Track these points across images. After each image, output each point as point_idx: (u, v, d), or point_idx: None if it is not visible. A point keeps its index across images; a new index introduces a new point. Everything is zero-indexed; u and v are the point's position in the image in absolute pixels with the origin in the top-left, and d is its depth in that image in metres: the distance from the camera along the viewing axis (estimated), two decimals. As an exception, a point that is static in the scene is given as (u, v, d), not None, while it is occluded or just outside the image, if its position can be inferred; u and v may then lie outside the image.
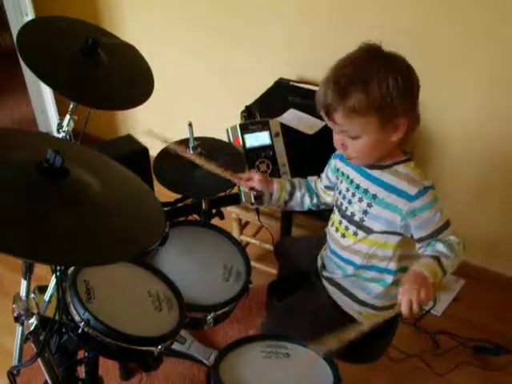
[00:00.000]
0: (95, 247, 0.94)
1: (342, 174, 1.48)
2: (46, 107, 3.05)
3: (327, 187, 1.60)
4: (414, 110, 1.28)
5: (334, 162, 1.54)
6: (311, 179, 1.66)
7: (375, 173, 1.37)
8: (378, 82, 1.19)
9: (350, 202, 1.43)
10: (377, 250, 1.40)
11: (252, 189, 1.60)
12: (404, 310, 1.19)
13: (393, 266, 1.42)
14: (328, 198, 1.61)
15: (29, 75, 2.97)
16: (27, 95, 3.10)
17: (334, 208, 1.53)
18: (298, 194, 1.62)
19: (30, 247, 0.82)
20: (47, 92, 2.95)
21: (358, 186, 1.41)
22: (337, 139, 1.32)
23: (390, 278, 1.44)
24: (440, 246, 1.29)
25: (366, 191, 1.38)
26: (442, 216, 1.31)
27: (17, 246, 0.81)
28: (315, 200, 1.63)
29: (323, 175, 1.61)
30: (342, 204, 1.47)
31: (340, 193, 1.48)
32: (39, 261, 0.87)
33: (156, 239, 1.03)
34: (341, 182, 1.49)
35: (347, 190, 1.44)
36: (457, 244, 1.30)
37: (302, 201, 1.63)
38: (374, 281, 1.46)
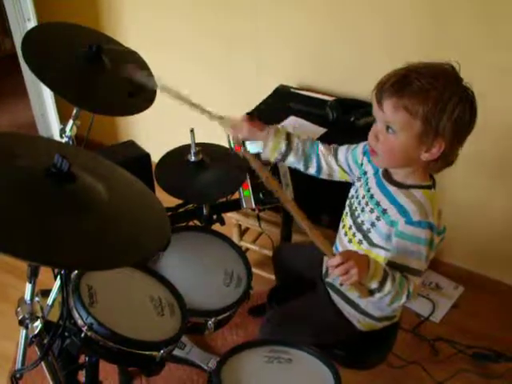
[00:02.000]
0: (101, 252, 0.95)
1: (366, 178, 1.45)
2: (46, 111, 3.05)
3: (341, 167, 1.55)
4: (454, 144, 1.25)
5: (360, 157, 1.49)
6: (322, 150, 1.55)
7: (391, 188, 1.35)
8: (437, 101, 1.18)
9: (362, 210, 1.41)
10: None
11: (237, 137, 1.55)
12: (333, 262, 1.19)
13: None
14: (339, 174, 1.56)
15: (29, 79, 2.98)
16: (27, 99, 3.10)
17: (347, 210, 1.51)
18: (291, 159, 1.55)
19: (38, 251, 0.83)
20: (48, 96, 2.96)
21: (372, 196, 1.39)
22: (374, 129, 1.29)
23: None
24: (398, 275, 1.27)
25: (378, 204, 1.37)
26: (419, 262, 1.28)
27: (25, 250, 0.81)
28: (312, 171, 1.56)
29: (341, 156, 1.54)
30: (356, 209, 1.45)
31: (357, 197, 1.46)
32: (46, 264, 0.88)
33: (161, 245, 1.03)
34: (360, 186, 1.46)
35: (363, 196, 1.43)
36: (406, 289, 1.26)
37: (296, 167, 1.57)
38: None
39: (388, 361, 1.91)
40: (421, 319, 2.30)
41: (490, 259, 2.42)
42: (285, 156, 1.54)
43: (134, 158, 1.88)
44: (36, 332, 1.04)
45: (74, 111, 1.56)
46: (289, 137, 1.53)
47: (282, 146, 1.52)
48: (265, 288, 1.94)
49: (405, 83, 1.20)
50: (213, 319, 1.51)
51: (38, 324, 1.05)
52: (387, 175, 1.38)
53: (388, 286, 1.23)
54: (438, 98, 1.18)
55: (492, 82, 1.96)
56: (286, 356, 1.35)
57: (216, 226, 1.94)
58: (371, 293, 1.25)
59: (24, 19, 2.71)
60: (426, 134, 1.21)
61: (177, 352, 1.94)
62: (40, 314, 1.06)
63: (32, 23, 2.69)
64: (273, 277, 2.28)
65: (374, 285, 1.23)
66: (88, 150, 1.22)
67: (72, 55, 1.49)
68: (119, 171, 1.15)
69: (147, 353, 1.27)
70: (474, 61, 1.94)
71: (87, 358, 1.45)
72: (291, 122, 2.13)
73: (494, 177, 2.24)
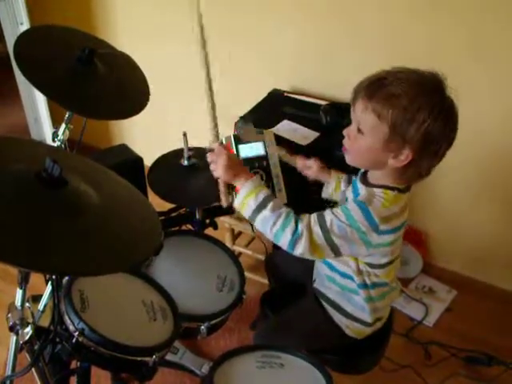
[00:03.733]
0: (91, 257, 0.94)
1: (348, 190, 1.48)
2: (39, 115, 3.04)
3: None
4: (425, 156, 1.22)
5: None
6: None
7: (360, 186, 1.37)
8: (406, 109, 1.17)
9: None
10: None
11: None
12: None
13: (358, 278, 1.41)
14: None
15: (22, 83, 2.97)
16: (20, 103, 3.09)
17: None
18: None
19: (29, 257, 0.82)
20: (41, 100, 2.95)
21: (344, 193, 1.44)
22: (348, 128, 1.31)
23: (361, 292, 1.43)
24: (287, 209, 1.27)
25: (347, 199, 1.41)
26: (331, 222, 1.24)
27: (16, 256, 0.80)
28: None
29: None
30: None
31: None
32: (35, 270, 0.87)
33: (153, 250, 1.03)
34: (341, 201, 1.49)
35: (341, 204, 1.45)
36: (292, 226, 1.23)
37: None
38: (353, 292, 1.46)
39: (381, 365, 1.90)
40: (414, 323, 2.30)
41: (483, 263, 2.43)
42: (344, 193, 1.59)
43: (126, 161, 1.88)
44: (26, 338, 1.03)
45: (67, 115, 1.55)
46: (349, 178, 1.59)
47: (342, 185, 1.60)
48: (258, 292, 1.94)
49: (378, 86, 1.20)
50: (206, 324, 1.51)
51: (28, 330, 1.03)
52: (363, 178, 1.39)
53: (267, 212, 1.24)
54: (406, 106, 1.17)
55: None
56: (278, 361, 1.34)
57: (209, 231, 1.94)
58: (253, 215, 1.26)
59: (17, 23, 2.70)
60: (393, 140, 1.21)
61: (170, 357, 1.94)
62: (31, 320, 1.05)
63: (25, 27, 2.68)
64: (266, 281, 2.28)
65: (252, 203, 1.26)
66: (80, 155, 1.22)
67: (64, 58, 1.48)
68: (111, 175, 1.15)
69: (139, 358, 1.26)
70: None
71: (79, 364, 1.45)
72: (285, 126, 2.13)
73: (486, 182, 2.25)
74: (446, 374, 2.06)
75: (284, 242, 1.25)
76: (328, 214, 1.26)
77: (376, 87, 1.20)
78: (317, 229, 1.24)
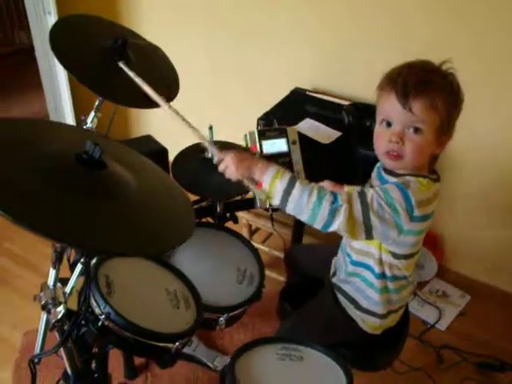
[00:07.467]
0: (126, 239, 0.96)
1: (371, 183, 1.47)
2: (61, 105, 3.06)
3: None
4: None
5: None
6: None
7: (388, 177, 1.37)
8: (456, 96, 1.25)
9: None
10: (364, 245, 1.41)
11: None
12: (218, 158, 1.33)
13: (377, 268, 1.41)
14: None
15: (44, 73, 2.99)
16: (39, 93, 3.12)
17: None
18: None
19: (67, 232, 0.84)
20: (64, 90, 2.95)
21: (371, 186, 1.42)
22: (395, 133, 1.26)
23: (377, 283, 1.43)
24: (317, 187, 1.23)
25: None
26: (372, 194, 1.23)
27: (56, 231, 0.83)
28: None
29: None
30: None
31: None
32: (74, 245, 0.89)
33: (186, 237, 1.04)
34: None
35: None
36: (328, 200, 1.19)
37: None
38: (369, 286, 1.45)
39: (393, 366, 1.91)
40: (427, 326, 2.31)
41: (498, 269, 2.42)
42: None
43: (151, 152, 1.88)
44: (59, 317, 1.05)
45: (97, 102, 1.57)
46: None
47: None
48: (274, 288, 1.95)
49: (429, 82, 1.22)
50: (225, 316, 1.52)
51: (60, 309, 1.05)
52: (387, 169, 1.38)
53: (297, 190, 1.22)
54: (457, 94, 1.25)
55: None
56: (298, 354, 1.35)
57: (228, 224, 1.95)
58: (283, 199, 1.24)
59: (44, 12, 2.72)
60: (443, 129, 1.26)
61: (183, 348, 1.95)
62: (63, 300, 1.07)
63: (52, 16, 2.70)
64: (282, 278, 2.29)
65: (279, 188, 1.23)
66: (117, 141, 1.24)
67: (97, 48, 1.50)
68: (148, 163, 1.17)
69: (162, 344, 1.27)
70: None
71: (97, 349, 1.46)
72: (307, 125, 2.14)
73: (503, 187, 2.25)
74: (458, 379, 2.07)
75: (323, 216, 1.20)
76: (369, 191, 1.24)
77: (428, 84, 1.22)
78: (357, 203, 1.21)
